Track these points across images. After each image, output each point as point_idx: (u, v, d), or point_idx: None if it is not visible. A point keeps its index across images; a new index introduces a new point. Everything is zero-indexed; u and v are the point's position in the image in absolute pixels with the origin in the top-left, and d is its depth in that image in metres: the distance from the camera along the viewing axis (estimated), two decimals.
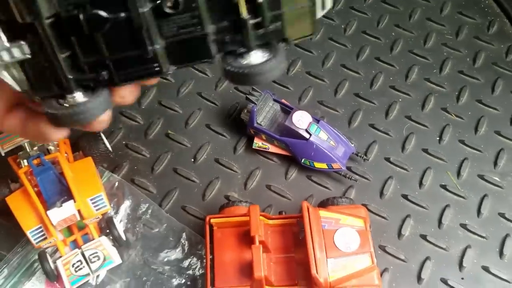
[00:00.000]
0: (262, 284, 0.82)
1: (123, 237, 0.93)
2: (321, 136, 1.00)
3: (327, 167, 1.01)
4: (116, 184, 1.01)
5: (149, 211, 0.99)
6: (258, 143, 1.06)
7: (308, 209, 0.86)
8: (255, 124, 1.02)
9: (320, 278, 0.81)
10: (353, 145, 1.04)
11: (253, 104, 1.03)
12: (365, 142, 1.09)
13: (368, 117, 1.12)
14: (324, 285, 0.81)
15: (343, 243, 0.84)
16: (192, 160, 1.07)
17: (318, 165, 1.01)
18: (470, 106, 1.14)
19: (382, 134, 1.10)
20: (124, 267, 0.93)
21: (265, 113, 1.04)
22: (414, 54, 1.21)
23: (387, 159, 1.07)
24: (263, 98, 1.04)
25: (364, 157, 1.04)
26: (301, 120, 1.00)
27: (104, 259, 0.89)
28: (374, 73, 1.18)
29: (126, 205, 0.99)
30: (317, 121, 1.02)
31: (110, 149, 1.03)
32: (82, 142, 0.99)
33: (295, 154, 1.03)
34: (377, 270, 0.84)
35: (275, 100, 1.05)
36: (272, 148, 1.05)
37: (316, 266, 0.81)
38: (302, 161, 1.02)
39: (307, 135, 1.00)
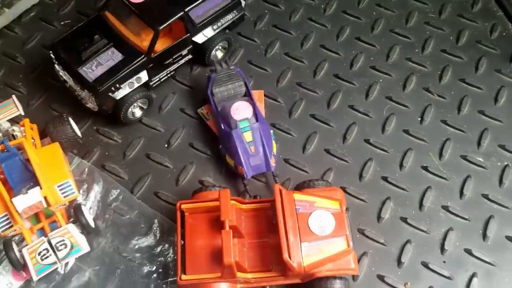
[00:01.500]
0: (233, 271, 0.78)
1: (92, 224, 0.90)
2: (245, 136, 0.95)
3: (233, 166, 0.96)
4: (86, 170, 0.98)
5: (120, 197, 0.96)
6: (203, 110, 1.04)
7: (281, 192, 0.83)
8: (208, 91, 1.00)
9: (294, 263, 0.78)
10: (274, 165, 0.96)
11: (214, 73, 1.00)
12: (344, 124, 1.05)
13: (347, 98, 1.09)
14: (297, 270, 0.78)
15: (317, 226, 0.81)
16: (166, 145, 1.03)
17: (228, 158, 0.97)
18: (453, 86, 1.10)
19: (362, 115, 1.07)
20: (94, 255, 0.90)
21: (225, 87, 1.01)
22: (395, 33, 1.18)
23: (367, 141, 1.03)
24: (227, 73, 1.01)
25: (277, 179, 0.96)
26: (239, 110, 0.97)
27: (72, 247, 0.86)
28: (354, 53, 1.15)
29: (96, 191, 0.96)
30: (256, 121, 0.96)
31: (79, 134, 0.99)
32: (49, 128, 0.95)
33: (219, 136, 1.00)
34: (353, 253, 0.81)
35: (245, 84, 1.02)
36: (210, 123, 1.03)
37: (289, 250, 0.78)
38: (220, 147, 0.99)
39: (233, 126, 0.96)
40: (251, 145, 0.95)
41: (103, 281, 0.88)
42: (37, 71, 1.12)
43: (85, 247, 0.88)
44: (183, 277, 0.81)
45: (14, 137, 0.92)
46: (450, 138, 1.03)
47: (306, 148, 1.02)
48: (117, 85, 0.95)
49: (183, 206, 0.87)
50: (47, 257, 0.85)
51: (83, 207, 0.89)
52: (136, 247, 0.91)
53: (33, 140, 0.93)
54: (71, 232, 0.86)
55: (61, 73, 1.00)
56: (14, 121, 0.95)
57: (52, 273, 0.88)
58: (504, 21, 1.20)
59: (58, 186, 0.87)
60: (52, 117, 0.99)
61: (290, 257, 0.77)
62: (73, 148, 0.99)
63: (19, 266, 0.86)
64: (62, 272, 0.89)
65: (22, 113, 0.95)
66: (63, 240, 0.86)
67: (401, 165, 1.00)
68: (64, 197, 0.87)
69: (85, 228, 0.89)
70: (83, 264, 0.90)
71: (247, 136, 0.95)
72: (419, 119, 1.06)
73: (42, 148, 0.93)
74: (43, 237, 0.86)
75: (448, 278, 0.89)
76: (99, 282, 0.88)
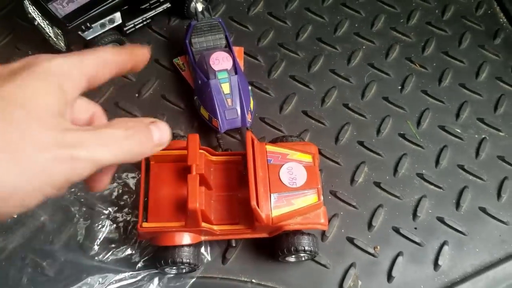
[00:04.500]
0: (197, 218, 0.74)
1: None
2: (223, 87, 0.91)
3: (207, 118, 0.92)
4: None
5: None
6: (179, 61, 1.00)
7: (253, 141, 0.79)
8: (186, 40, 0.96)
9: (262, 213, 0.74)
10: (250, 121, 0.92)
11: (194, 20, 0.96)
12: (324, 87, 1.02)
13: (329, 62, 1.06)
14: (265, 221, 0.74)
15: (288, 178, 0.77)
16: (136, 95, 0.98)
17: (202, 110, 0.92)
18: (435, 58, 1.08)
19: (343, 80, 1.04)
20: (50, 200, 0.85)
21: (204, 38, 0.96)
22: (381, 2, 1.15)
23: (346, 105, 1.00)
24: (209, 23, 0.96)
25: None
26: (218, 61, 0.92)
27: None
28: (339, 18, 1.12)
29: None
30: (235, 74, 0.92)
31: None
32: None
33: (194, 88, 0.95)
34: (324, 208, 0.78)
35: (226, 37, 0.98)
36: (185, 74, 0.98)
37: (257, 199, 0.74)
38: (195, 98, 0.95)
39: (211, 76, 0.91)
40: (228, 98, 0.91)
41: (58, 227, 0.83)
42: (6, 9, 1.06)
43: None
44: (144, 224, 0.76)
45: None
46: (429, 108, 1.01)
47: (283, 108, 0.99)
48: (88, 24, 0.89)
49: None
50: None
51: None
52: (97, 194, 0.86)
53: None
54: None
55: (30, 10, 0.94)
56: None
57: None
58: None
59: None
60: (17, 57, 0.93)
61: (258, 206, 0.73)
62: None
63: None
64: (15, 215, 0.83)
65: None
66: None
67: (378, 131, 0.98)
68: None
69: None
70: (38, 208, 0.84)
71: (225, 88, 0.91)
72: (400, 87, 1.04)
73: None
74: None
75: (419, 244, 0.87)
76: (54, 227, 0.83)
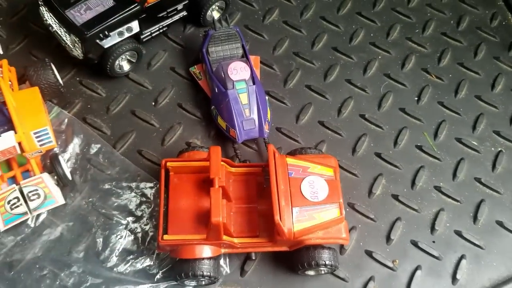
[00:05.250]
0: (219, 231, 0.74)
1: (69, 176, 0.84)
2: (241, 97, 0.90)
3: (224, 129, 0.92)
4: (66, 121, 0.92)
5: (101, 152, 0.90)
6: (196, 69, 0.99)
7: (274, 153, 0.79)
8: (203, 49, 0.95)
9: (284, 227, 0.74)
10: (268, 131, 0.92)
11: (212, 30, 0.95)
12: (340, 97, 1.02)
13: (345, 72, 1.06)
14: (287, 235, 0.74)
15: (310, 192, 0.77)
16: (153, 103, 0.98)
17: (219, 120, 0.92)
18: (451, 69, 1.08)
19: (359, 90, 1.03)
20: (68, 210, 0.84)
21: (221, 47, 0.96)
22: (397, 12, 1.15)
23: (362, 116, 1.00)
24: (226, 32, 0.95)
25: (266, 141, 0.92)
26: (236, 71, 0.92)
27: (45, 198, 0.80)
28: (354, 28, 1.11)
29: (75, 144, 0.90)
30: (252, 84, 0.91)
31: (60, 81, 0.92)
32: (29, 71, 0.89)
33: (211, 97, 0.95)
34: (345, 222, 0.78)
35: (243, 46, 0.97)
36: (202, 83, 0.98)
37: (280, 214, 0.74)
38: (212, 108, 0.94)
39: (229, 86, 0.91)
40: (245, 108, 0.91)
41: (76, 237, 0.82)
42: (19, 14, 1.05)
43: (59, 199, 0.82)
44: (165, 237, 0.76)
45: None
46: (446, 120, 1.01)
47: (299, 118, 0.99)
48: (106, 32, 0.89)
49: (168, 164, 0.82)
50: (17, 206, 0.79)
51: (60, 157, 0.83)
52: (115, 204, 0.85)
53: (10, 83, 0.87)
54: (45, 182, 0.80)
55: (46, 16, 0.93)
56: None
57: (21, 225, 0.82)
58: (504, 11, 1.18)
59: (35, 133, 0.81)
60: (32, 63, 0.92)
61: (281, 220, 0.73)
62: (54, 96, 0.93)
63: None
64: (32, 225, 0.83)
65: (1, 52, 0.88)
66: (36, 190, 0.80)
67: (395, 143, 0.98)
68: (41, 145, 0.82)
69: (61, 180, 0.83)
70: (56, 218, 0.84)
71: (243, 98, 0.91)
72: (416, 98, 1.04)
73: (20, 91, 0.86)
74: (14, 185, 0.80)
75: (437, 258, 0.87)
76: (72, 238, 0.82)
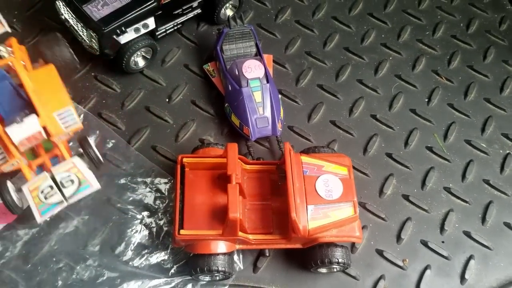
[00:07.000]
0: (236, 227, 0.75)
1: (101, 158, 0.80)
2: (255, 95, 0.91)
3: (238, 126, 0.92)
4: (82, 115, 0.92)
5: (117, 147, 0.90)
6: (209, 67, 1.00)
7: (290, 151, 0.80)
8: (218, 47, 0.96)
9: (299, 224, 0.75)
10: (280, 130, 0.93)
11: (227, 28, 0.95)
12: (351, 97, 1.03)
13: (356, 72, 1.07)
14: (302, 232, 0.75)
15: (324, 190, 0.78)
16: (167, 99, 0.98)
17: (233, 118, 0.93)
18: (461, 71, 1.09)
19: (370, 90, 1.05)
20: (84, 204, 0.85)
21: (235, 45, 0.97)
22: (408, 14, 1.16)
23: (373, 116, 1.01)
24: (241, 30, 0.96)
25: (281, 145, 0.93)
26: (250, 69, 0.93)
27: (80, 184, 0.75)
28: (366, 28, 1.12)
29: (91, 139, 0.89)
30: (266, 82, 0.92)
31: (77, 59, 0.90)
32: (41, 47, 0.83)
33: (225, 95, 0.96)
34: (359, 221, 0.79)
35: (256, 45, 0.98)
36: (216, 80, 0.98)
37: (296, 211, 0.75)
38: (225, 105, 0.95)
39: (243, 84, 0.92)
40: (259, 106, 0.92)
41: (92, 231, 0.83)
42: (34, 8, 1.05)
43: (94, 184, 0.76)
44: (182, 231, 0.77)
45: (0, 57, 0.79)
46: (456, 122, 1.02)
47: (311, 118, 1.00)
48: (123, 28, 0.89)
49: (184, 160, 0.83)
50: (52, 195, 0.74)
51: (89, 138, 0.79)
52: (130, 199, 0.86)
53: (23, 63, 0.80)
54: (78, 167, 0.75)
55: (62, 11, 0.93)
56: None
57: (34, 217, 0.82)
58: None
59: (58, 114, 0.75)
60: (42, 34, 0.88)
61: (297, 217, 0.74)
62: (70, 77, 0.90)
63: (17, 209, 0.75)
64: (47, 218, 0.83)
65: (9, 30, 0.83)
66: (69, 176, 0.75)
67: (406, 143, 0.99)
68: (66, 127, 0.76)
69: (94, 163, 0.78)
70: (71, 212, 0.84)
71: (257, 96, 0.92)
72: (426, 100, 1.05)
73: (35, 70, 0.80)
74: (45, 173, 0.75)
75: (446, 258, 0.88)
76: (87, 231, 0.83)
